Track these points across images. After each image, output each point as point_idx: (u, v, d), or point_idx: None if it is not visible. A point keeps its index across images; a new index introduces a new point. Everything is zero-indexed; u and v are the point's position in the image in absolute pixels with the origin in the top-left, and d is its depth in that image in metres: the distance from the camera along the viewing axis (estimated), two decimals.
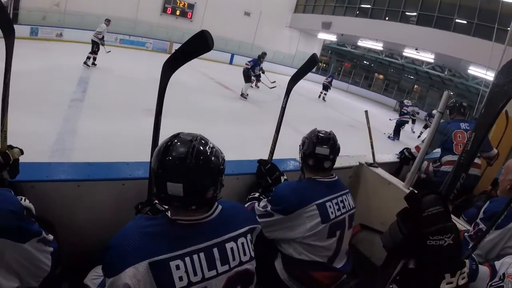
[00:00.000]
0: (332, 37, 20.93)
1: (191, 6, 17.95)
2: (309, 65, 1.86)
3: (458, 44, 12.28)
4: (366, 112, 2.47)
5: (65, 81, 7.27)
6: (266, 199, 1.60)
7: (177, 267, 0.89)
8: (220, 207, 1.04)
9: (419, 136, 11.39)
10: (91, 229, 1.47)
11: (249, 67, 9.85)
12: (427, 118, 11.69)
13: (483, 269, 1.21)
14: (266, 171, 1.89)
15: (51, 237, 1.03)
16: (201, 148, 0.96)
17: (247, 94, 9.91)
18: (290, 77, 1.97)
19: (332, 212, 1.52)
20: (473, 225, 1.67)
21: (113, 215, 1.49)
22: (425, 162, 3.01)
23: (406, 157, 2.96)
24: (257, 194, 1.81)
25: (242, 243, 1.04)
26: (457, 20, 13.28)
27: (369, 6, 17.22)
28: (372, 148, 2.51)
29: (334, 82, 15.46)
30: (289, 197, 1.51)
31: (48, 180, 1.36)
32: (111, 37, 14.72)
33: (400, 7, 15.62)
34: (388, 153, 3.15)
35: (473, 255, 1.24)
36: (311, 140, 1.62)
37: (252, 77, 10.21)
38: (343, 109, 13.39)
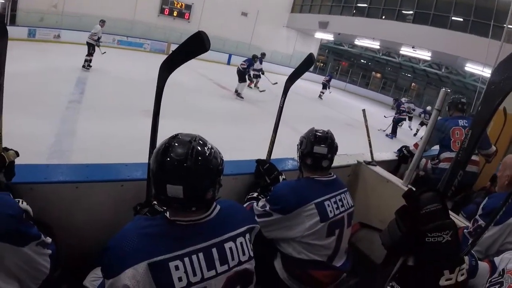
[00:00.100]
0: (329, 37, 20.99)
1: (188, 7, 17.97)
2: (306, 65, 1.86)
3: (455, 41, 12.33)
4: (363, 110, 2.48)
5: (63, 83, 7.26)
6: (264, 199, 1.60)
7: (176, 268, 0.89)
8: (218, 207, 1.04)
9: (415, 134, 11.45)
10: (90, 231, 1.47)
11: (245, 67, 9.85)
12: (423, 115, 11.74)
13: (483, 265, 1.21)
14: (264, 171, 1.89)
15: (49, 239, 1.03)
16: (200, 149, 0.96)
17: (241, 94, 9.91)
18: (287, 76, 1.97)
19: (330, 211, 1.52)
20: (472, 221, 1.68)
21: (112, 216, 1.49)
22: (423, 160, 3.02)
23: (404, 155, 2.96)
24: (255, 194, 1.81)
25: (241, 243, 1.04)
26: (453, 18, 13.34)
27: (365, 5, 17.28)
28: (370, 146, 2.51)
29: (332, 81, 15.50)
30: (288, 197, 1.51)
31: (46, 182, 1.36)
32: (109, 38, 14.71)
33: (397, 5, 15.69)
34: (386, 151, 3.15)
35: (472, 251, 1.25)
36: (309, 139, 1.63)
37: (249, 77, 10.19)
38: (341, 108, 13.41)
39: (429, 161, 3.09)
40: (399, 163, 3.03)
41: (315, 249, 1.51)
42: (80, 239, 1.45)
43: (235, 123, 7.25)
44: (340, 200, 1.59)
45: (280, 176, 1.87)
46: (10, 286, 0.90)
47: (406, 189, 2.07)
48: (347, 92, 21.84)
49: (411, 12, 15.20)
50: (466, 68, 14.80)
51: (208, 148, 0.98)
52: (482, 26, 11.79)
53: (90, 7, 14.09)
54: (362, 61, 27.65)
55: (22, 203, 1.10)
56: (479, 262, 1.22)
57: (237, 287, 1.02)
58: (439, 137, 2.91)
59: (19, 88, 6.06)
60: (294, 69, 1.98)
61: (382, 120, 10.54)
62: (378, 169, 2.47)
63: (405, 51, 16.87)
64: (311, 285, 1.53)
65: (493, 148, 2.88)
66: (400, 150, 3.07)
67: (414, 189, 1.15)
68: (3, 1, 12.38)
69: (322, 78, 16.06)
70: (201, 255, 0.94)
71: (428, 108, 12.03)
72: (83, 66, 9.06)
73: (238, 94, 9.73)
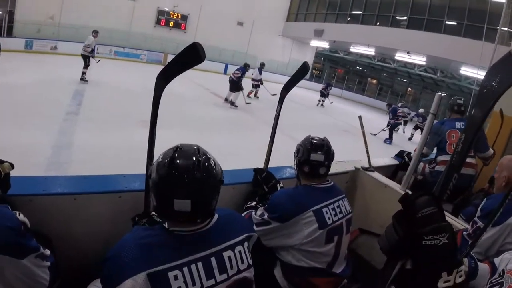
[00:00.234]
0: (325, 44, 21.17)
1: (184, 18, 18.14)
2: (301, 73, 1.88)
3: (449, 45, 12.49)
4: (359, 117, 2.49)
5: (60, 94, 7.28)
6: (262, 207, 1.60)
7: (176, 278, 0.89)
8: (216, 215, 1.05)
9: (410, 138, 11.54)
10: (88, 242, 1.46)
11: (240, 76, 9.87)
12: (416, 118, 11.82)
13: (483, 267, 1.21)
14: (262, 180, 1.89)
15: (48, 251, 1.03)
16: (205, 161, 0.97)
17: (235, 103, 9.90)
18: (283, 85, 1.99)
19: (329, 218, 1.52)
20: (471, 223, 1.69)
21: (110, 227, 1.48)
22: (421, 164, 3.04)
23: (406, 162, 2.98)
24: (254, 203, 1.81)
25: (240, 251, 1.04)
26: (447, 22, 13.54)
27: (360, 12, 17.51)
28: (368, 152, 2.52)
29: (329, 88, 15.58)
30: (286, 204, 1.51)
31: (45, 193, 1.36)
32: (106, 49, 14.83)
33: (391, 12, 15.90)
34: (383, 156, 3.17)
35: (472, 253, 1.25)
36: (306, 147, 1.64)
37: (240, 86, 10.14)
38: (337, 115, 13.47)
39: (427, 165, 3.10)
40: (397, 169, 3.04)
41: (314, 256, 1.51)
42: (79, 251, 1.44)
43: (232, 132, 7.27)
44: (338, 206, 1.59)
45: (278, 185, 1.87)
46: None
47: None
48: (344, 99, 21.97)
49: (405, 18, 15.41)
50: (461, 71, 14.95)
51: (211, 159, 1.00)
52: (475, 29, 11.95)
53: (86, 19, 14.15)
54: (357, 67, 27.89)
55: (19, 215, 1.10)
56: (479, 263, 1.22)
57: None
58: (436, 140, 2.93)
59: (16, 99, 6.10)
60: (289, 77, 2.00)
61: (378, 126, 10.60)
62: (376, 174, 2.48)
63: (400, 56, 17.04)
64: None
65: (491, 151, 2.90)
66: (400, 156, 3.09)
67: (410, 193, 1.16)
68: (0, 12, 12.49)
69: (318, 86, 16.18)
70: (200, 264, 0.94)
71: (421, 110, 12.13)
72: (81, 79, 9.01)
73: (232, 103, 9.73)
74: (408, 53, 15.51)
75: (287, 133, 5.90)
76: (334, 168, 2.35)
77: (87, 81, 9.02)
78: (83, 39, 9.52)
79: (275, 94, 10.35)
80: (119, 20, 15.96)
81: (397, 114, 10.63)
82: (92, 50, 9.23)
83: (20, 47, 12.20)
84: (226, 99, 9.99)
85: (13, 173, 1.21)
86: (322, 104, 14.97)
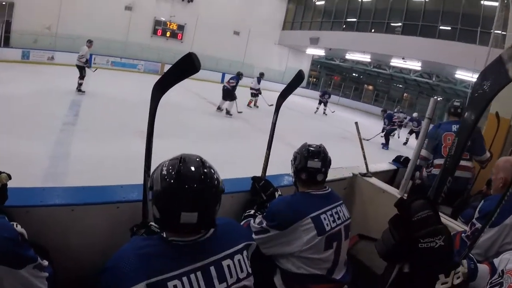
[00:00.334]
0: (321, 52, 21.34)
1: (181, 27, 18.26)
2: (296, 81, 1.89)
3: (444, 50, 12.59)
4: (356, 123, 2.51)
5: (57, 105, 7.27)
6: (261, 216, 1.60)
7: (175, 287, 0.89)
8: None
9: (405, 143, 11.63)
10: (86, 254, 1.45)
11: (235, 84, 9.86)
12: (410, 122, 11.90)
13: (483, 268, 1.21)
14: (260, 188, 1.90)
15: (46, 262, 1.02)
16: (210, 173, 0.98)
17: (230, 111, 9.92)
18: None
19: (327, 224, 1.53)
20: (470, 225, 1.70)
21: (108, 238, 1.48)
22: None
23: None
24: (252, 211, 1.81)
25: (239, 260, 1.04)
26: (441, 27, 13.69)
27: (355, 19, 17.69)
28: (365, 158, 2.54)
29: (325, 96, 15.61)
30: (284, 212, 1.51)
31: (42, 205, 1.35)
32: (103, 60, 14.90)
33: (385, 18, 16.06)
34: (381, 161, 3.18)
35: (471, 254, 1.25)
36: (302, 154, 1.65)
37: (234, 96, 10.08)
38: (335, 122, 13.52)
39: (424, 169, 3.11)
40: (395, 173, 3.06)
41: (314, 263, 1.51)
42: (77, 262, 1.43)
43: (228, 141, 7.26)
44: (336, 212, 1.60)
45: (276, 192, 1.87)
46: None
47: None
48: (341, 105, 22.06)
49: (399, 24, 15.57)
50: (456, 75, 15.10)
51: (213, 169, 1.01)
52: (469, 33, 12.08)
53: (83, 29, 14.16)
54: (354, 74, 28.09)
55: (16, 226, 1.09)
56: (478, 264, 1.22)
57: None
58: (434, 144, 2.96)
59: (13, 110, 6.10)
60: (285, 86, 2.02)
61: (375, 132, 10.63)
62: (374, 180, 2.49)
63: (396, 62, 17.19)
64: None
65: (487, 154, 2.92)
66: (398, 161, 3.10)
67: (405, 198, 1.17)
68: None
69: (314, 93, 16.22)
70: (199, 274, 0.93)
71: (415, 114, 12.21)
72: (78, 90, 8.92)
73: (227, 112, 9.71)
74: (403, 58, 15.64)
75: (285, 141, 5.92)
76: (332, 175, 2.35)
77: (84, 92, 8.95)
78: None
79: (272, 105, 10.40)
80: (116, 30, 16.05)
81: (393, 120, 10.70)
82: (87, 60, 9.07)
83: (17, 58, 12.28)
84: (219, 108, 9.97)
85: (10, 184, 1.21)
86: (324, 113, 15.01)
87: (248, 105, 12.11)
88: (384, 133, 10.44)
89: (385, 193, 2.33)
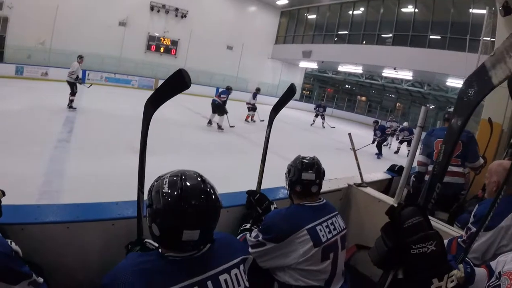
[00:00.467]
0: (313, 65, 21.63)
1: (174, 43, 18.44)
2: (289, 95, 1.91)
3: (434, 59, 12.81)
4: (349, 134, 2.54)
5: (51, 121, 7.24)
6: (257, 229, 1.61)
7: None
8: None
9: (396, 152, 11.76)
10: (82, 271, 1.44)
11: (226, 99, 9.83)
12: (401, 132, 12.02)
13: (480, 271, 1.22)
14: (255, 201, 1.90)
15: (41, 279, 1.02)
16: (211, 190, 0.98)
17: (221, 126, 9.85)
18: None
19: (323, 235, 1.53)
20: (465, 229, 1.71)
21: (104, 255, 1.47)
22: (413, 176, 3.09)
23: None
24: (248, 225, 1.81)
25: (236, 274, 1.04)
26: (431, 37, 13.97)
27: (346, 32, 18.01)
28: (359, 168, 2.56)
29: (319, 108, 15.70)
30: (279, 225, 1.52)
31: (37, 222, 1.34)
32: (97, 76, 14.92)
33: (376, 30, 16.37)
34: (375, 171, 3.20)
35: (468, 258, 1.26)
36: (296, 167, 1.66)
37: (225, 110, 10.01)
38: (329, 133, 13.60)
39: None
40: (390, 182, 3.08)
41: (311, 275, 1.51)
42: (72, 279, 1.42)
43: (223, 155, 7.23)
44: (332, 223, 1.61)
45: (271, 206, 1.88)
46: None
47: None
48: (335, 117, 22.20)
49: (390, 35, 15.89)
50: (448, 83, 15.36)
51: (212, 186, 1.01)
52: (459, 41, 12.28)
53: (77, 44, 14.16)
54: (346, 86, 28.46)
55: (11, 243, 1.09)
56: (475, 268, 1.22)
57: None
58: (428, 151, 3.00)
59: (6, 126, 6.06)
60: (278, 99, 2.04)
61: (369, 142, 10.72)
62: (369, 190, 2.51)
63: (387, 73, 17.47)
64: None
65: (481, 161, 2.96)
66: (392, 171, 3.13)
67: (395, 205, 1.19)
68: None
69: (307, 106, 16.27)
70: None
71: (405, 124, 12.35)
72: (69, 107, 8.68)
73: (219, 126, 9.66)
74: (394, 69, 15.90)
75: (279, 154, 5.93)
76: (327, 186, 2.37)
77: (75, 108, 8.72)
78: None
79: (263, 120, 10.48)
80: (110, 46, 16.15)
81: (386, 132, 10.86)
82: (77, 77, 8.82)
83: (11, 73, 12.25)
84: (209, 122, 9.92)
85: (4, 201, 1.20)
86: (323, 126, 15.04)
87: (246, 119, 12.16)
88: (375, 144, 10.51)
89: (380, 202, 2.34)
